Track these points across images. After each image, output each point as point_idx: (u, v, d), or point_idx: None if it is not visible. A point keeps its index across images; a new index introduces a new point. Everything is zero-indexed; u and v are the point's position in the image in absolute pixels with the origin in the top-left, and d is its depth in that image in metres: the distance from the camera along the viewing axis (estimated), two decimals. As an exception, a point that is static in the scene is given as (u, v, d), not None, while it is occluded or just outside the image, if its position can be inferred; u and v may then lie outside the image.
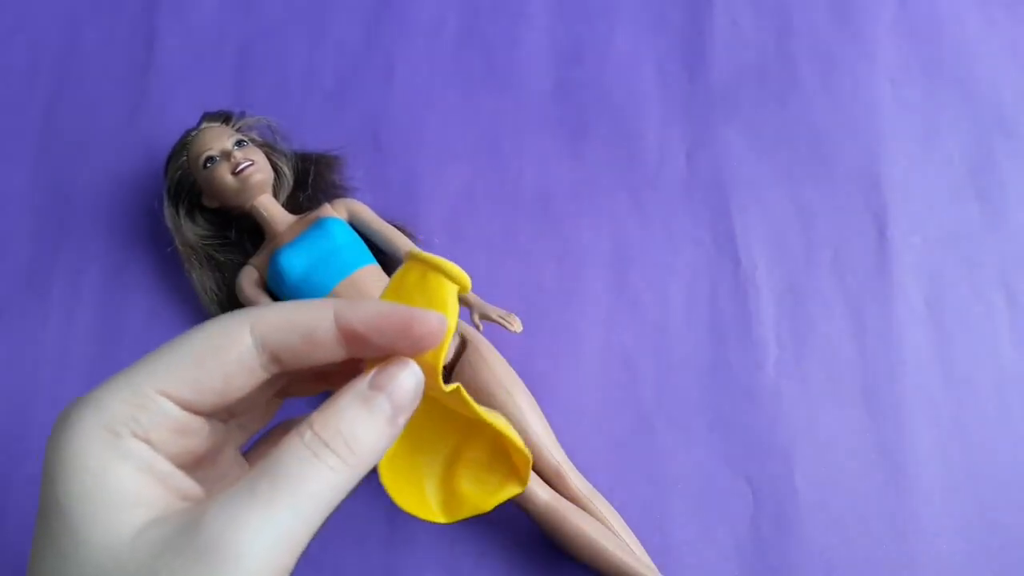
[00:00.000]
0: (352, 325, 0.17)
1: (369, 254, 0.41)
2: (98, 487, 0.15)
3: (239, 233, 0.44)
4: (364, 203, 0.43)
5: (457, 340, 0.39)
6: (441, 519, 0.21)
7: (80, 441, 0.16)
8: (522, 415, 0.37)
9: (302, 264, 0.40)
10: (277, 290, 0.41)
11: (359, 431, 0.17)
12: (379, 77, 0.49)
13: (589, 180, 0.46)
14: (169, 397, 0.17)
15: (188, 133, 0.43)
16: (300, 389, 0.22)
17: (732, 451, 0.40)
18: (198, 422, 0.18)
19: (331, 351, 0.18)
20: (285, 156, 0.44)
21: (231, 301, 0.42)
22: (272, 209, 0.42)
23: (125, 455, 0.16)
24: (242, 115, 0.45)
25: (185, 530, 0.15)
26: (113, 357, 0.42)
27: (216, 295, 0.42)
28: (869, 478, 0.39)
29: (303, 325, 0.18)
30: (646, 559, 0.36)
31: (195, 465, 0.19)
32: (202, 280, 0.42)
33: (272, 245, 0.42)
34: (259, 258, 0.42)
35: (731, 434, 0.40)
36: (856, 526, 0.39)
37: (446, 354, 0.18)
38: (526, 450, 0.20)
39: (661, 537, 0.38)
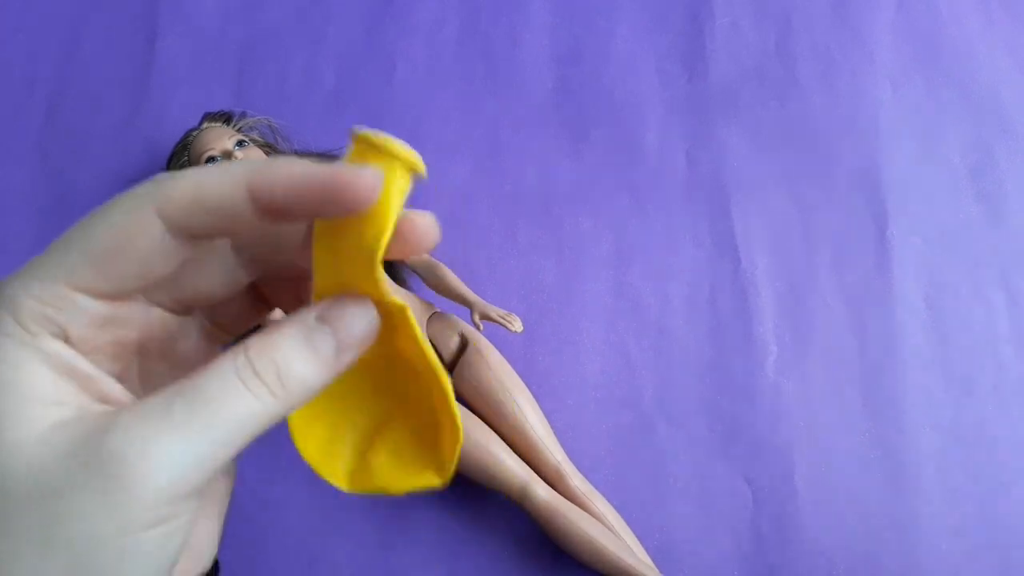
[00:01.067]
0: (268, 195, 0.15)
1: (369, 254, 0.41)
2: (11, 384, 0.14)
3: (240, 233, 0.44)
4: (364, 203, 0.43)
5: (458, 339, 0.39)
6: (343, 485, 0.18)
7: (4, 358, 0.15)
8: (522, 415, 0.37)
9: (302, 264, 0.40)
10: (277, 290, 0.41)
11: (295, 366, 0.15)
12: (379, 77, 0.49)
13: (589, 180, 0.46)
14: (84, 291, 0.16)
15: (189, 133, 0.43)
16: (278, 294, 0.20)
17: (732, 451, 0.40)
18: (125, 308, 0.17)
19: (250, 225, 0.16)
20: (286, 156, 0.44)
21: (232, 301, 0.42)
22: (272, 209, 0.42)
23: (39, 353, 0.15)
24: (243, 115, 0.45)
25: (91, 438, 0.14)
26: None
27: (217, 295, 0.42)
28: (869, 478, 0.39)
29: (212, 200, 0.16)
30: (646, 559, 0.36)
31: (139, 356, 0.17)
32: (203, 280, 0.42)
33: (272, 245, 0.42)
34: (260, 258, 0.42)
35: (731, 434, 0.40)
36: (856, 526, 0.39)
37: (387, 234, 0.16)
38: (460, 425, 0.17)
39: (661, 537, 0.38)
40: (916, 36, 0.49)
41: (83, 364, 0.16)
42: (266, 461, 0.40)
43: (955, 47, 0.49)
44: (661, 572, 0.36)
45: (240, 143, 0.42)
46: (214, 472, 0.14)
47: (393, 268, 0.43)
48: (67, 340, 0.16)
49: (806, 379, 0.41)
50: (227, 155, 0.41)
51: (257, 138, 0.44)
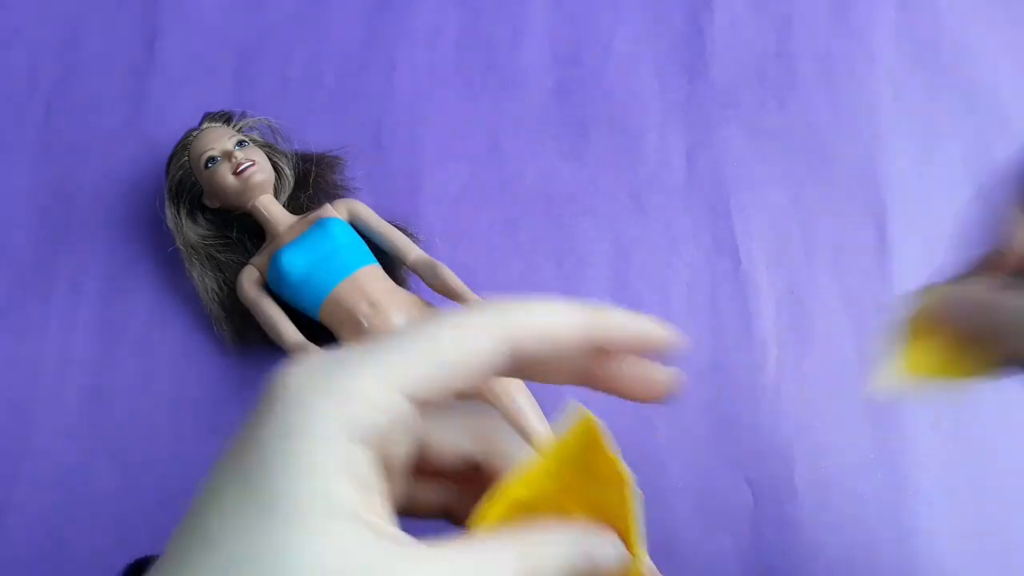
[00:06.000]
0: (607, 340, 0.18)
1: (370, 254, 0.41)
2: (320, 499, 0.14)
3: (240, 233, 0.44)
4: (365, 203, 0.43)
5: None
6: None
7: (312, 440, 0.14)
8: (522, 415, 0.37)
9: (303, 264, 0.40)
10: (278, 290, 0.41)
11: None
12: (379, 77, 0.49)
13: (589, 180, 0.46)
14: (409, 398, 0.15)
15: (189, 133, 0.43)
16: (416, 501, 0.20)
17: (732, 451, 0.40)
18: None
19: (573, 359, 0.18)
20: (286, 156, 0.45)
21: (232, 301, 0.42)
22: (273, 209, 0.42)
23: (354, 469, 0.14)
24: (243, 115, 0.45)
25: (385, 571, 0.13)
26: (113, 357, 0.42)
27: (217, 295, 0.42)
28: (869, 478, 0.39)
29: (556, 341, 0.17)
30: (646, 559, 0.36)
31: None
32: (203, 280, 0.42)
33: (273, 245, 0.42)
34: (260, 258, 0.42)
35: (731, 434, 0.40)
36: (856, 526, 0.39)
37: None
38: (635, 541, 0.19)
39: (661, 537, 0.38)
40: (916, 36, 0.49)
41: (373, 475, 0.15)
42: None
43: (955, 47, 0.49)
44: (661, 572, 0.36)
45: (241, 143, 0.42)
46: None
47: (393, 268, 0.43)
48: (382, 451, 0.15)
49: (806, 379, 0.41)
50: (227, 155, 0.41)
51: (257, 138, 0.45)
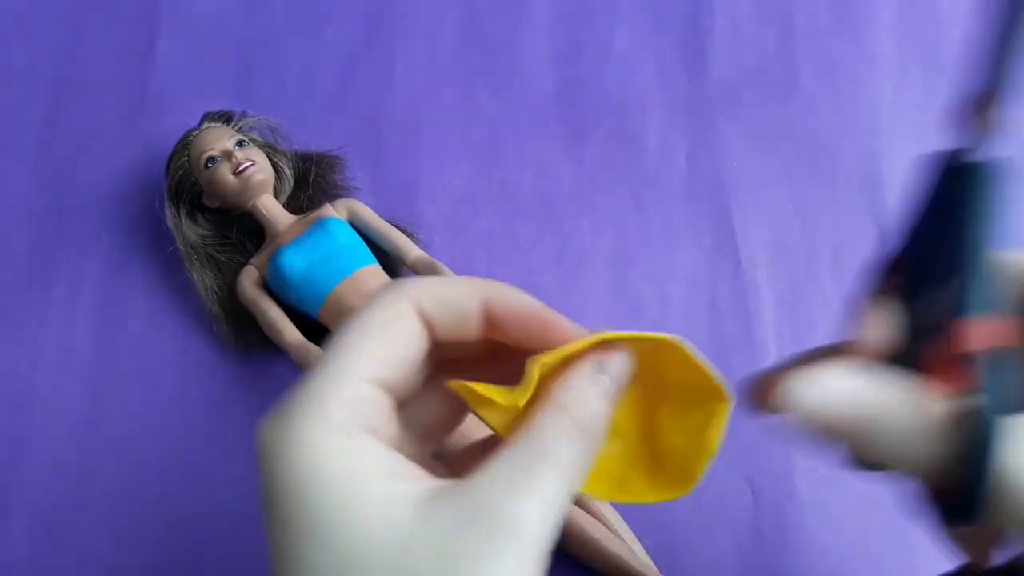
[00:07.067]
0: (498, 311, 0.19)
1: (370, 254, 0.41)
2: (358, 492, 0.16)
3: (240, 233, 0.44)
4: (365, 203, 0.43)
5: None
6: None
7: (318, 455, 0.16)
8: None
9: (303, 264, 0.40)
10: (278, 290, 0.41)
11: (596, 409, 0.18)
12: (379, 77, 0.49)
13: (589, 180, 0.46)
14: (370, 382, 0.18)
15: (189, 133, 0.43)
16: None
17: (732, 451, 0.40)
18: (391, 402, 0.19)
19: (472, 331, 0.19)
20: (286, 156, 0.45)
21: (232, 301, 0.42)
22: (273, 209, 0.42)
23: (369, 438, 0.17)
24: (243, 115, 0.45)
25: (462, 507, 0.16)
26: (113, 357, 0.42)
27: (217, 295, 0.42)
28: (869, 478, 0.39)
29: (456, 302, 0.19)
30: (646, 559, 0.36)
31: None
32: (203, 280, 0.42)
33: (273, 245, 0.42)
34: (260, 258, 0.42)
35: (731, 434, 0.40)
36: (856, 526, 0.39)
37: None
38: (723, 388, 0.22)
39: (661, 537, 0.38)
40: (916, 36, 0.49)
41: (392, 452, 0.17)
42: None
43: (955, 47, 0.49)
44: (661, 572, 0.36)
45: (240, 143, 0.42)
46: (562, 517, 0.17)
47: (393, 268, 0.43)
48: (375, 435, 0.17)
49: (806, 379, 0.41)
50: (227, 155, 0.41)
51: (257, 138, 0.45)
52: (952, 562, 0.25)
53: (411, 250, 0.42)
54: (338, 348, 0.18)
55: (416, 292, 0.19)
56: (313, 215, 0.42)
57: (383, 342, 0.18)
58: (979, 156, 0.19)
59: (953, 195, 0.19)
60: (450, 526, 0.15)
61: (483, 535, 0.15)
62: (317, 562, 0.15)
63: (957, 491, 0.17)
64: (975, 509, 0.17)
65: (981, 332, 0.18)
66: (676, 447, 0.22)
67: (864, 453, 0.21)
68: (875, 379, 0.19)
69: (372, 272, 0.40)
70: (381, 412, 0.18)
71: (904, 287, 0.21)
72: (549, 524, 0.16)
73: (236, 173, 0.41)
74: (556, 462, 0.17)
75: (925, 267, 0.20)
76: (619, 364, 0.19)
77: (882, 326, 0.21)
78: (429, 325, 0.19)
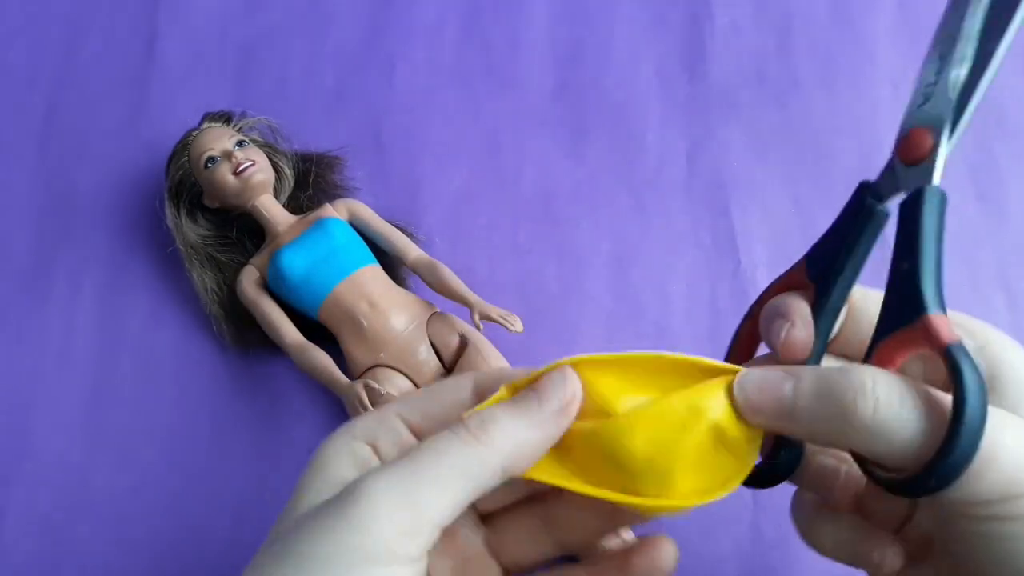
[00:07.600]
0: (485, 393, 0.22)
1: (370, 254, 0.41)
2: (327, 474, 0.20)
3: (240, 233, 0.44)
4: (365, 203, 0.43)
5: (458, 339, 0.39)
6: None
7: (328, 448, 0.21)
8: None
9: (303, 264, 0.40)
10: (278, 290, 0.41)
11: (497, 413, 0.20)
12: (379, 77, 0.49)
13: (589, 180, 0.46)
14: (402, 418, 0.22)
15: (189, 133, 0.43)
16: None
17: (732, 451, 0.40)
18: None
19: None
20: (286, 156, 0.45)
21: (232, 301, 0.42)
22: (273, 209, 0.42)
23: (350, 452, 0.21)
24: (243, 115, 0.45)
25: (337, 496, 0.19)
26: (113, 357, 0.42)
27: (217, 295, 0.42)
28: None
29: (444, 416, 0.22)
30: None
31: None
32: (203, 280, 0.42)
33: (273, 245, 0.42)
34: (260, 258, 0.42)
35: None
36: (856, 526, 0.39)
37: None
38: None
39: (661, 537, 0.38)
40: (916, 36, 0.49)
41: (375, 461, 0.21)
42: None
43: (955, 47, 0.49)
44: (661, 572, 0.36)
45: (240, 143, 0.42)
46: (443, 518, 0.19)
47: (393, 268, 0.43)
48: (375, 447, 0.21)
49: (806, 379, 0.41)
50: (227, 155, 0.41)
51: (257, 138, 0.45)
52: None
53: (411, 250, 0.42)
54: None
55: (480, 376, 0.23)
56: (313, 215, 0.42)
57: (426, 399, 0.23)
58: (883, 191, 0.24)
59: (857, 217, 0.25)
60: (319, 506, 0.19)
61: (333, 513, 0.18)
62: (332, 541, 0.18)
63: (928, 465, 0.18)
64: (950, 479, 0.18)
65: (945, 325, 0.21)
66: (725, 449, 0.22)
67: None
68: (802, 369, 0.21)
69: (372, 272, 0.40)
70: (393, 438, 0.22)
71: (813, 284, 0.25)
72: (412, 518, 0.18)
73: (236, 173, 0.41)
74: (437, 463, 0.19)
75: (827, 267, 0.25)
76: (559, 388, 0.21)
77: (804, 318, 0.24)
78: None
